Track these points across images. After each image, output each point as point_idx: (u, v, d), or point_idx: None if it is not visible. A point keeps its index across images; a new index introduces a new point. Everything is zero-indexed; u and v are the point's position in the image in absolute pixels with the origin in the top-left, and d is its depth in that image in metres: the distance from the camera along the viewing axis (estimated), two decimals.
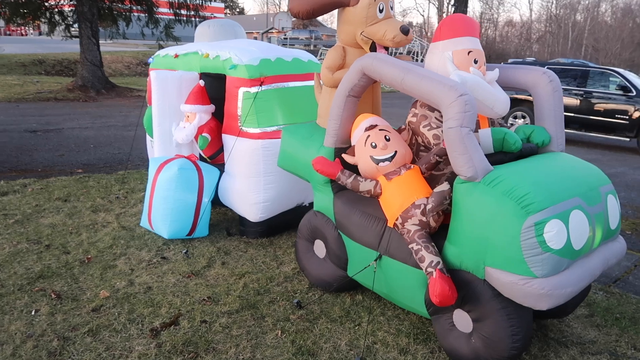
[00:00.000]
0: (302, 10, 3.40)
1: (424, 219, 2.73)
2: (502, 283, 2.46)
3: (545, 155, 2.93)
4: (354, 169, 3.31)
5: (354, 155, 3.11)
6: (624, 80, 11.61)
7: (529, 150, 2.98)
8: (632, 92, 11.26)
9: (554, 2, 57.29)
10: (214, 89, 4.71)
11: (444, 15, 41.09)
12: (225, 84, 4.31)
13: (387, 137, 2.95)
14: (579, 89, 11.94)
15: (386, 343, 2.98)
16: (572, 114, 11.91)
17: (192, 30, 8.27)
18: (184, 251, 4.09)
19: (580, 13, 57.93)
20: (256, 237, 4.52)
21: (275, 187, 4.22)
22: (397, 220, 2.81)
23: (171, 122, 4.63)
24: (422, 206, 2.74)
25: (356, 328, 3.13)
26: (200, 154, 4.79)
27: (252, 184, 4.19)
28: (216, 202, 4.58)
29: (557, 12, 57.48)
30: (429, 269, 2.63)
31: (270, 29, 24.43)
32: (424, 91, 2.77)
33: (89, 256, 3.97)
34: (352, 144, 3.11)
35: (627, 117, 11.12)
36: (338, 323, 3.17)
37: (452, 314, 2.80)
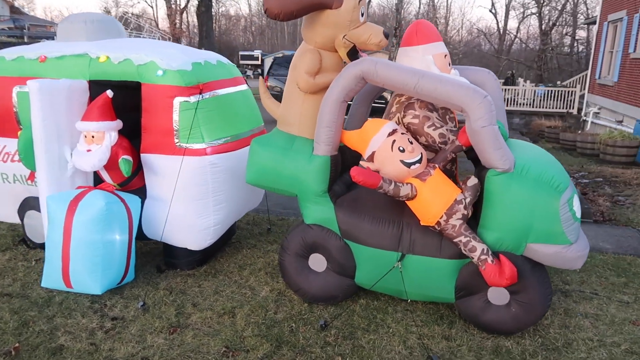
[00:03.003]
0: (285, 12, 3.12)
1: (465, 212, 2.95)
2: (547, 254, 2.90)
3: (517, 143, 3.47)
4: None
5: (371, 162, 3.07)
6: None
7: None
8: None
9: None
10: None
11: (173, 6, 40.29)
12: (142, 94, 3.57)
13: (410, 140, 3.03)
14: None
15: (435, 336, 3.11)
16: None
17: None
18: (141, 304, 3.29)
19: None
20: (193, 267, 3.94)
21: (225, 207, 3.75)
22: (441, 218, 2.94)
23: (61, 146, 3.58)
24: (463, 201, 2.94)
25: (391, 331, 3.15)
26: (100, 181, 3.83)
27: (198, 207, 3.62)
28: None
29: None
30: (482, 257, 2.88)
31: None
32: (442, 94, 2.95)
33: (15, 345, 2.83)
34: (372, 150, 3.05)
35: (384, 102, 13.24)
36: (373, 332, 3.14)
37: (487, 292, 3.12)
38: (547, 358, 2.91)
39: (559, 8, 36.20)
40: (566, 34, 38.66)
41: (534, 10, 39.11)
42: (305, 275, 3.44)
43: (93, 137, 3.55)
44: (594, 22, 19.49)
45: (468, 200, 2.95)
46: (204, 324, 3.15)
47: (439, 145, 3.21)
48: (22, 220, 4.17)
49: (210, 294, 3.55)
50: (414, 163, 2.98)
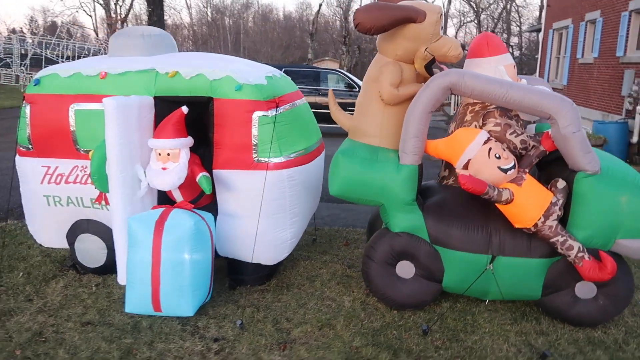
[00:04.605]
0: (377, 26, 3.20)
1: (560, 213, 3.13)
2: (637, 249, 3.13)
3: None
4: None
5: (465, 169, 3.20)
6: (347, 78, 14.02)
7: None
8: (356, 88, 13.71)
9: (209, 7, 61.34)
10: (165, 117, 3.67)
11: (114, 15, 38.73)
12: (215, 110, 3.50)
13: (503, 147, 3.18)
14: (316, 88, 13.56)
15: (530, 332, 3.26)
16: (316, 110, 13.65)
17: None
18: (239, 323, 3.22)
19: (228, 18, 63.85)
20: (263, 282, 3.89)
21: (299, 220, 3.75)
22: (539, 220, 3.10)
23: (133, 165, 3.44)
24: (557, 202, 3.13)
25: (488, 331, 3.28)
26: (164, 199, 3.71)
27: (276, 222, 3.59)
28: None
29: (212, 17, 61.84)
30: (579, 254, 3.07)
31: None
32: (530, 103, 3.13)
33: None
34: (468, 158, 3.17)
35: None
36: (472, 333, 3.25)
37: (574, 287, 3.32)
38: None
39: (495, 17, 38.28)
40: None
41: (472, 18, 41.12)
42: (393, 283, 3.50)
43: (168, 154, 3.44)
44: (539, 30, 20.81)
45: (561, 202, 3.14)
46: (309, 338, 3.14)
47: (520, 151, 3.39)
48: (72, 244, 3.95)
49: (295, 307, 3.53)
50: (510, 169, 3.13)
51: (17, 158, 3.87)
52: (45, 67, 3.87)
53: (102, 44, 29.34)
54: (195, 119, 3.99)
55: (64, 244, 4.01)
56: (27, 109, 3.73)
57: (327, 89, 13.58)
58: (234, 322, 3.26)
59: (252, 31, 63.92)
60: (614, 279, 3.21)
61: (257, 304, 3.57)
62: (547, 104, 3.10)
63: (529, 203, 3.12)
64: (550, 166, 3.60)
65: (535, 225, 3.13)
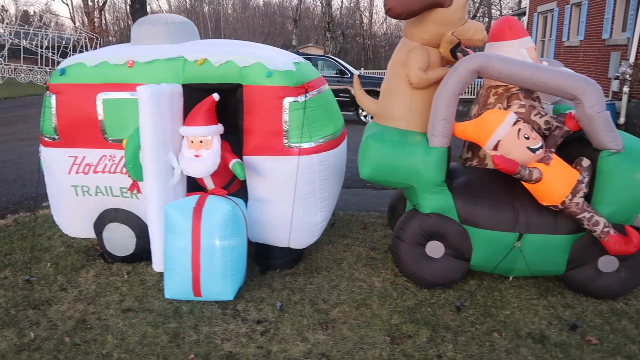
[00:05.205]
0: (407, 11, 3.27)
1: (586, 190, 3.27)
2: None
3: None
4: None
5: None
6: (340, 65, 14.03)
7: None
8: (348, 75, 13.75)
9: None
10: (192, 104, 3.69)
11: (91, 3, 37.76)
12: (245, 96, 3.53)
13: (531, 128, 3.29)
14: None
15: (556, 306, 3.41)
16: None
17: None
18: (279, 305, 3.30)
19: (207, 5, 62.88)
20: (292, 266, 3.97)
21: (329, 204, 3.82)
22: (566, 197, 3.23)
23: (166, 153, 3.46)
24: (583, 180, 3.25)
25: (517, 306, 3.41)
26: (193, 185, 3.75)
27: (306, 206, 3.66)
28: None
29: (191, 3, 60.82)
30: (605, 229, 3.22)
31: None
32: (556, 84, 3.24)
33: (191, 356, 2.77)
34: (498, 139, 3.27)
35: (348, 95, 13.49)
36: (502, 308, 3.38)
37: (597, 262, 3.47)
38: None
39: (477, 0, 38.41)
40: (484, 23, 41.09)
41: None
42: (423, 262, 3.60)
43: (201, 142, 3.47)
44: (522, 13, 21.02)
45: (587, 179, 3.27)
46: (348, 318, 3.23)
47: (544, 131, 3.50)
48: (99, 234, 3.96)
49: (329, 289, 3.62)
50: (538, 149, 3.24)
51: (42, 149, 3.85)
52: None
53: (81, 33, 28.75)
54: (221, 106, 4.00)
55: (91, 234, 4.02)
56: (53, 99, 3.71)
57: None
58: (274, 305, 3.34)
59: (232, 18, 63.14)
60: (636, 252, 3.36)
61: (291, 286, 3.65)
62: (573, 85, 3.21)
63: (557, 181, 3.24)
64: (569, 146, 3.73)
65: (563, 202, 3.26)
